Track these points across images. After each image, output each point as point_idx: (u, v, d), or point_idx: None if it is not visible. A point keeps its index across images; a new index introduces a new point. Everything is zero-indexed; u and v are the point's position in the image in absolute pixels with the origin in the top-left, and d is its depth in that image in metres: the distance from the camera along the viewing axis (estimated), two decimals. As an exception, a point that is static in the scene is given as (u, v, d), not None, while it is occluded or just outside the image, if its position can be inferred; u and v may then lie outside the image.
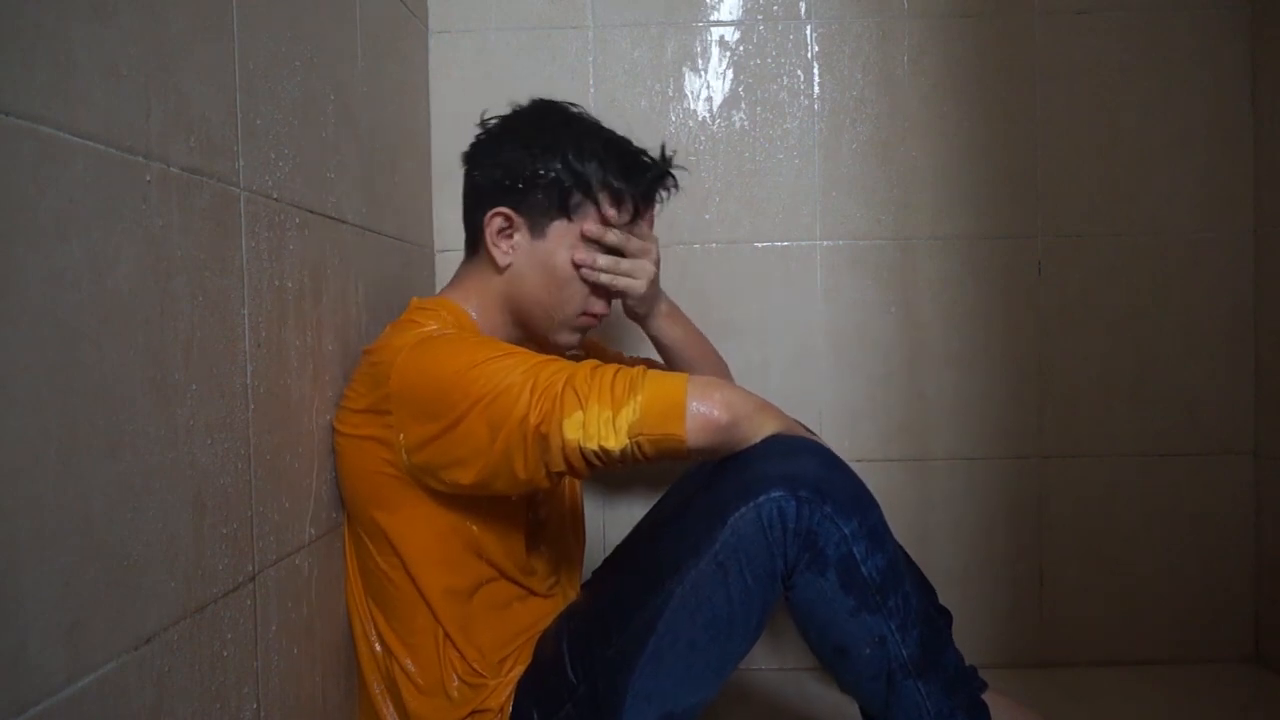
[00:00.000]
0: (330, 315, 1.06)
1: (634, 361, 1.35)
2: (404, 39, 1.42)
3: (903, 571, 0.97)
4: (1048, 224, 1.55)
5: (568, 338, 1.16)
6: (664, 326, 1.26)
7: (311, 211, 1.02)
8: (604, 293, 1.16)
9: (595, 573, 1.27)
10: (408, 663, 1.05)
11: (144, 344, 0.69)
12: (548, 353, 1.02)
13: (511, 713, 1.03)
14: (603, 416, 0.92)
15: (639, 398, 0.92)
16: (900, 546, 1.04)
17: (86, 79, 0.63)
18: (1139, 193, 1.55)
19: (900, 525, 1.07)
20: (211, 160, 0.80)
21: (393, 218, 1.32)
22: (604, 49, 1.55)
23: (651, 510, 1.33)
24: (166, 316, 0.72)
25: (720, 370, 1.35)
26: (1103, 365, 1.55)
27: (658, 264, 1.18)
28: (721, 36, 1.56)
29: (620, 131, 1.16)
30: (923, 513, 1.56)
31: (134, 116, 0.69)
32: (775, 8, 1.55)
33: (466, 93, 1.53)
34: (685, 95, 1.56)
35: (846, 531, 0.92)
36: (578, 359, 1.01)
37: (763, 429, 0.97)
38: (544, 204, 1.10)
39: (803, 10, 1.55)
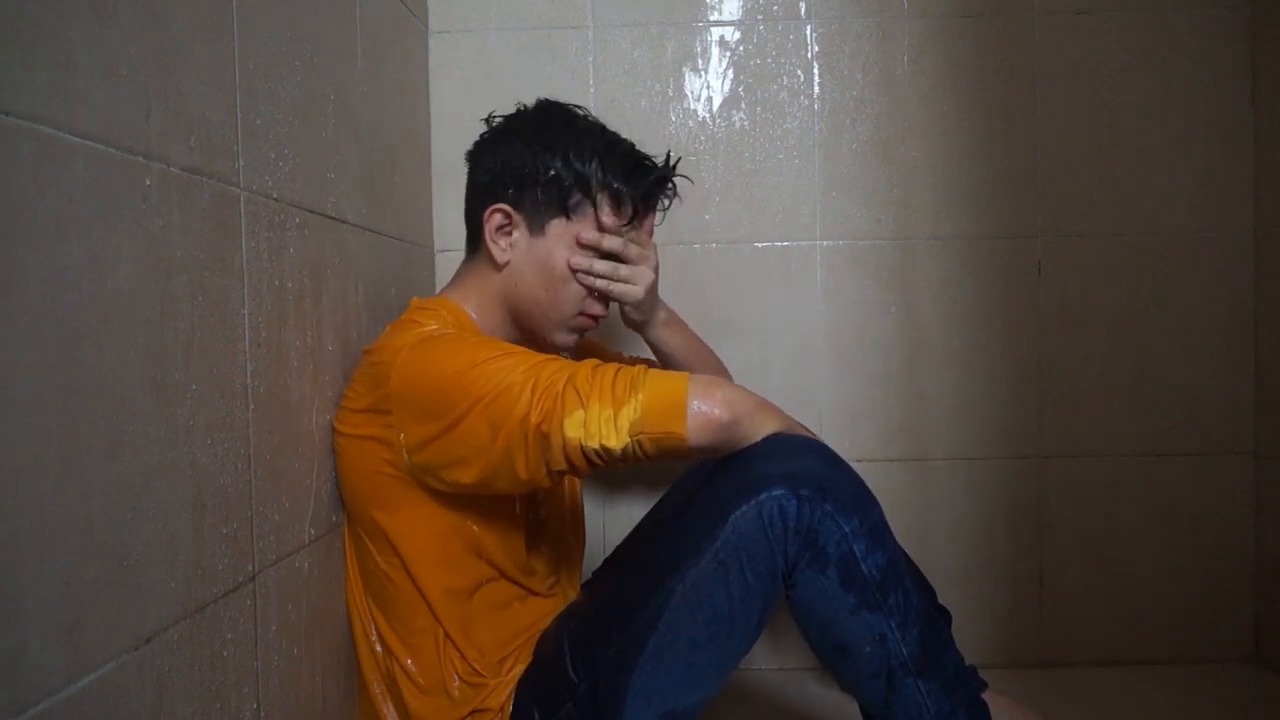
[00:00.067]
0: (330, 315, 1.06)
1: (634, 361, 1.35)
2: (404, 39, 1.42)
3: (903, 570, 0.97)
4: (1048, 224, 1.55)
5: (565, 338, 1.16)
6: (663, 334, 1.26)
7: (311, 211, 1.02)
8: (602, 296, 1.16)
9: (595, 572, 1.27)
10: (408, 662, 1.05)
11: (144, 344, 0.69)
12: (546, 352, 1.02)
13: (512, 712, 1.03)
14: (604, 415, 0.92)
15: (640, 396, 0.92)
16: (900, 546, 1.04)
17: (86, 79, 0.63)
18: (1139, 193, 1.55)
19: (900, 525, 1.07)
20: (211, 160, 0.80)
21: (393, 218, 1.32)
22: (604, 49, 1.55)
23: (652, 509, 1.33)
24: (166, 316, 0.72)
25: (721, 376, 1.34)
26: (1103, 365, 1.55)
27: (657, 271, 1.18)
28: (721, 36, 1.56)
29: (620, 131, 1.17)
30: (923, 513, 1.56)
31: (134, 116, 0.69)
32: (775, 8, 1.55)
33: (466, 93, 1.53)
34: (685, 95, 1.56)
35: (847, 530, 0.92)
36: (576, 359, 1.01)
37: (763, 428, 0.97)
38: (543, 202, 1.10)
39: (803, 10, 1.55)
